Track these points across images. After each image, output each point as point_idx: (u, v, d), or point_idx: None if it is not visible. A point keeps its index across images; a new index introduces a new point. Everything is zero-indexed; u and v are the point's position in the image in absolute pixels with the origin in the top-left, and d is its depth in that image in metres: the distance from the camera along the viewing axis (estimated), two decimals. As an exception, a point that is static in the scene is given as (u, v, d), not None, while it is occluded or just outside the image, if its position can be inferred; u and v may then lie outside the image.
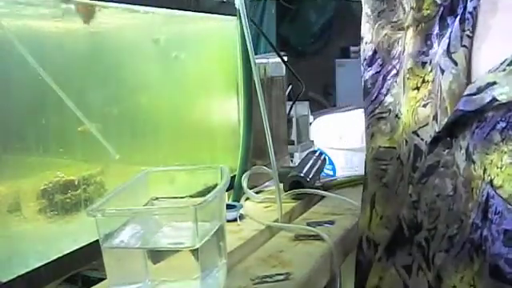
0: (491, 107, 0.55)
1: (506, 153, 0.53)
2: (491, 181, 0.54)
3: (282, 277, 0.70)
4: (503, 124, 0.54)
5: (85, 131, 0.72)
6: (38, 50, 0.65)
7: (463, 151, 0.57)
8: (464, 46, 0.61)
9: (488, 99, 0.55)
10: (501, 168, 0.53)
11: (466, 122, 0.58)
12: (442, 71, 0.62)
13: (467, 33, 0.61)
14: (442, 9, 0.65)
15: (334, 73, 4.31)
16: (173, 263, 0.57)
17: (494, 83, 0.55)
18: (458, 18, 0.62)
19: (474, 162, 0.56)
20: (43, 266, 0.64)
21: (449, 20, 0.64)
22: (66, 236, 0.70)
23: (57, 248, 0.68)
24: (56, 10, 0.69)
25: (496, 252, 0.53)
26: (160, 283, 0.57)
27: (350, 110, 1.89)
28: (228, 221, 0.84)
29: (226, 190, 0.70)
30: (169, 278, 0.57)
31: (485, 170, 0.55)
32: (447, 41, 0.63)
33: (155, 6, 0.85)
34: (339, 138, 1.59)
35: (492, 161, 0.54)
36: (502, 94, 0.54)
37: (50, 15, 0.69)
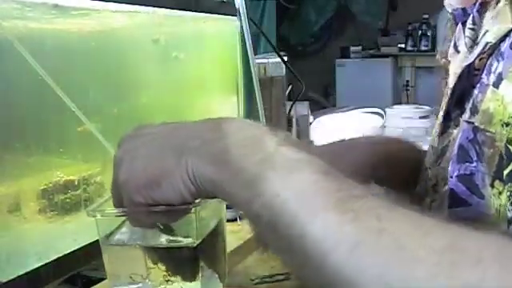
0: (484, 51, 0.55)
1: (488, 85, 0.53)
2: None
3: (281, 277, 0.70)
4: (494, 63, 0.54)
5: (85, 131, 0.72)
6: (37, 50, 0.65)
7: (467, 110, 0.56)
8: (467, 36, 0.63)
9: (482, 46, 0.56)
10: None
11: (471, 84, 0.57)
12: (449, 62, 0.66)
13: (469, 26, 0.63)
14: (455, 17, 0.67)
15: (334, 73, 4.32)
16: (172, 262, 0.57)
17: (486, 31, 0.57)
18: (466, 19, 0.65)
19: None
20: (43, 266, 0.64)
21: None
22: (66, 236, 0.70)
23: (57, 248, 0.68)
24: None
25: None
26: (160, 283, 0.57)
27: (350, 109, 1.90)
28: (228, 221, 0.84)
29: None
30: (168, 278, 0.57)
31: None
32: (454, 38, 0.67)
33: (155, 6, 0.85)
34: (339, 138, 1.59)
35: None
36: (492, 34, 0.55)
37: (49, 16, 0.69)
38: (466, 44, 0.63)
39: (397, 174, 0.74)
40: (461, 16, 0.65)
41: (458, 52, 0.65)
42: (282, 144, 0.41)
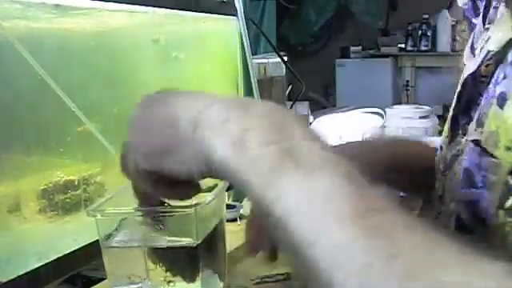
0: (486, 60, 0.54)
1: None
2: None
3: (281, 277, 0.70)
4: (501, 73, 0.51)
5: (85, 131, 0.72)
6: (37, 50, 0.65)
7: (474, 121, 0.54)
8: (483, 38, 0.60)
9: (484, 53, 0.54)
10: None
11: (476, 91, 0.56)
12: (464, 65, 0.63)
13: (487, 26, 0.60)
14: (465, 12, 0.65)
15: (334, 73, 4.32)
16: (173, 262, 0.57)
17: (489, 38, 0.55)
18: (481, 15, 0.62)
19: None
20: (43, 266, 0.64)
21: (474, 20, 0.64)
22: (66, 236, 0.70)
23: (57, 248, 0.68)
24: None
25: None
26: (160, 283, 0.57)
27: (350, 109, 1.90)
28: (228, 221, 0.84)
29: (226, 190, 0.70)
30: (168, 278, 0.57)
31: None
32: (472, 37, 0.63)
33: (155, 6, 0.85)
34: (339, 137, 1.59)
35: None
36: (494, 42, 0.53)
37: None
38: (481, 48, 0.59)
39: (410, 177, 0.72)
40: (471, 11, 0.63)
41: (475, 56, 0.62)
42: (309, 138, 0.38)
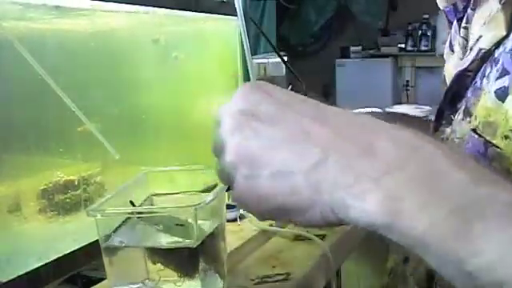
0: (479, 57, 0.57)
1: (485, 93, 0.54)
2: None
3: (281, 277, 0.70)
4: (488, 68, 0.55)
5: (85, 131, 0.72)
6: (38, 50, 0.65)
7: (460, 111, 0.58)
8: (462, 37, 0.65)
9: (475, 52, 0.57)
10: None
11: (463, 84, 0.60)
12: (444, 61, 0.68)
13: (463, 25, 0.65)
14: (446, 14, 0.68)
15: (334, 73, 4.32)
16: (173, 263, 0.57)
17: (480, 37, 0.58)
18: (459, 16, 0.67)
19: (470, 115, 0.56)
20: (43, 266, 0.64)
21: (454, 22, 0.69)
22: (66, 236, 0.70)
23: (57, 248, 0.68)
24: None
25: None
26: (160, 283, 0.57)
27: (350, 110, 1.89)
28: (228, 221, 0.84)
29: (226, 190, 0.70)
30: (169, 278, 0.57)
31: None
32: (450, 36, 0.69)
33: (155, 6, 0.85)
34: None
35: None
36: (486, 41, 0.56)
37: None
38: (459, 44, 0.64)
39: None
40: (452, 13, 0.66)
41: (453, 52, 0.67)
42: (476, 181, 0.32)
